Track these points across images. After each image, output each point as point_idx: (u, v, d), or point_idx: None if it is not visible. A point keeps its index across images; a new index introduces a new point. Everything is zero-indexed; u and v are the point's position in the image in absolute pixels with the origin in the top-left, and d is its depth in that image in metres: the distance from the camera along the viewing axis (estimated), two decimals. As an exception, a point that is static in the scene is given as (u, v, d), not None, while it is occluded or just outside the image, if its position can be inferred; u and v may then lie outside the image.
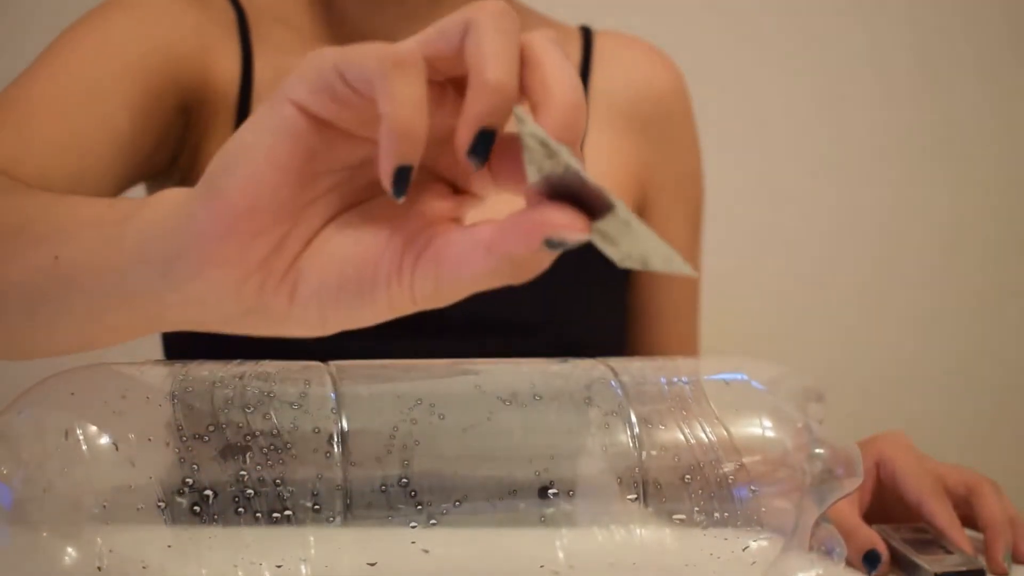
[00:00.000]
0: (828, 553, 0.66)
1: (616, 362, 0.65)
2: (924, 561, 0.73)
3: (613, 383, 0.63)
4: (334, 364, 0.61)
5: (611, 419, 0.62)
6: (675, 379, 0.65)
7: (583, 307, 1.00)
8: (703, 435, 0.63)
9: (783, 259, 1.54)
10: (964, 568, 0.74)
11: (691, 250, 1.09)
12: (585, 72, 1.03)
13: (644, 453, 0.61)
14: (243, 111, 0.94)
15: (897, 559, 0.75)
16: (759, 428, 0.64)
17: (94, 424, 0.55)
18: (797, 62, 1.55)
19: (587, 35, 1.06)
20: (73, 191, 0.82)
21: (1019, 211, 1.59)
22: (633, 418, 0.62)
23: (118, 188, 0.90)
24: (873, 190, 1.57)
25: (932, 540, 0.76)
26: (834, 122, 1.56)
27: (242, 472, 0.56)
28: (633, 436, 0.61)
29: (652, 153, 1.05)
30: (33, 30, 1.39)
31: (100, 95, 0.88)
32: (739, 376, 0.67)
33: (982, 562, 0.74)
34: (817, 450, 0.65)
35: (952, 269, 1.59)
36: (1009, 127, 1.58)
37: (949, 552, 0.75)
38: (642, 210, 1.05)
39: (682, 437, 0.62)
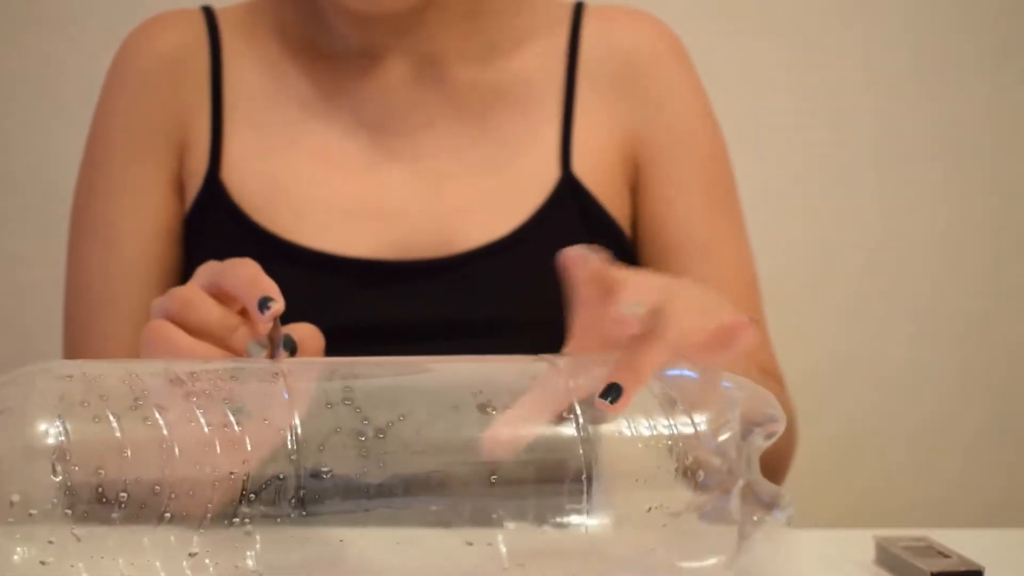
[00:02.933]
0: (774, 510, 0.67)
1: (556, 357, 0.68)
2: (922, 563, 0.73)
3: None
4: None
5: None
6: None
7: (566, 305, 0.98)
8: (647, 428, 0.64)
9: (776, 260, 1.51)
10: (962, 569, 0.73)
11: (710, 215, 1.02)
12: (573, 47, 1.02)
13: (588, 444, 0.62)
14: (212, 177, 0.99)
15: (895, 564, 0.75)
16: (699, 418, 0.65)
17: (45, 423, 0.56)
18: (790, 62, 1.55)
19: (577, 12, 1.04)
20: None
21: (1018, 212, 1.57)
22: (576, 408, 0.63)
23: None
24: (868, 191, 1.56)
25: (929, 547, 0.76)
26: (828, 123, 1.55)
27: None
28: (578, 427, 0.62)
29: (640, 118, 1.01)
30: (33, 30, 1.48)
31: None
32: (686, 372, 0.69)
33: (981, 564, 0.73)
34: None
35: (949, 271, 1.57)
36: (1008, 127, 1.56)
37: (947, 556, 0.74)
38: (641, 182, 1.02)
39: (626, 430, 0.63)
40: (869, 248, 1.57)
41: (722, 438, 0.64)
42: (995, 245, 1.58)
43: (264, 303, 0.67)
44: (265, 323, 0.67)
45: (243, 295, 0.68)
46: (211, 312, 0.69)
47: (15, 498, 0.54)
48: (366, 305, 0.96)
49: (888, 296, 1.58)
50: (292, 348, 0.68)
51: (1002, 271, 1.58)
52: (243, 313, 0.70)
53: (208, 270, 0.72)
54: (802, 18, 1.55)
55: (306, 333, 0.71)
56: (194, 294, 0.70)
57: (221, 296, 0.70)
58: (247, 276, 0.69)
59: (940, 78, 1.56)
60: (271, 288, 0.68)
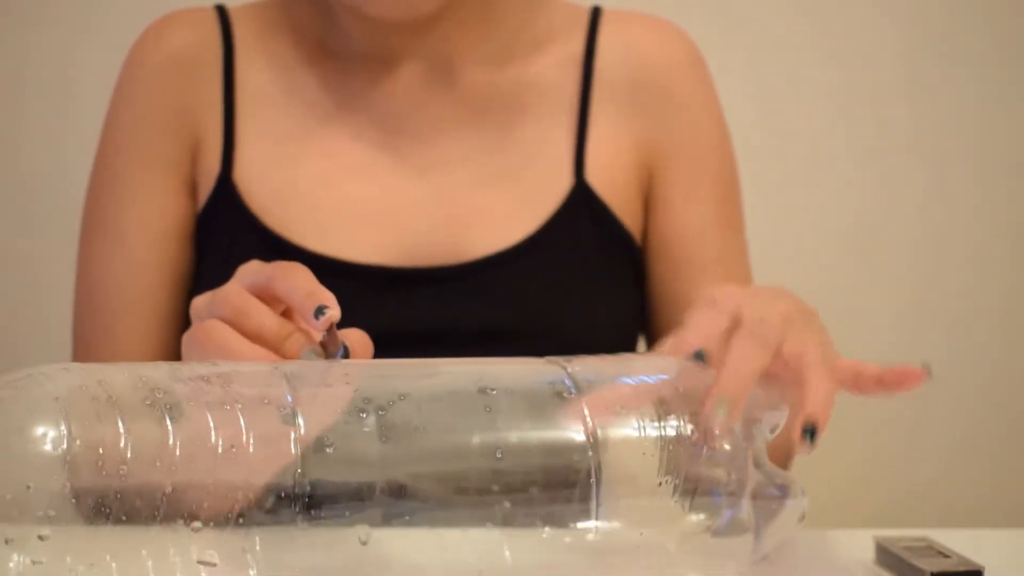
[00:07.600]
0: (786, 500, 0.67)
1: (569, 359, 0.67)
2: (922, 563, 0.74)
3: (567, 380, 0.65)
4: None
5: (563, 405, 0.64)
6: (634, 376, 0.66)
7: (577, 314, 0.98)
8: (661, 429, 0.64)
9: (775, 260, 1.51)
10: (962, 569, 0.74)
11: (722, 229, 1.02)
12: (589, 54, 1.02)
13: (599, 448, 0.62)
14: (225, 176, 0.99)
15: (895, 564, 0.75)
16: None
17: (46, 423, 0.55)
18: (777, 60, 1.55)
19: (595, 16, 1.04)
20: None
21: (1002, 212, 1.57)
22: (587, 412, 0.63)
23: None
24: (854, 189, 1.56)
25: (929, 547, 0.76)
26: (814, 122, 1.56)
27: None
28: (588, 433, 0.62)
29: (658, 130, 1.01)
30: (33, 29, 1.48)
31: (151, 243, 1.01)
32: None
33: (981, 564, 0.74)
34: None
35: (933, 270, 1.57)
36: (994, 127, 1.57)
37: (947, 556, 0.75)
38: (655, 193, 1.02)
39: (638, 432, 0.64)
40: (858, 244, 1.58)
41: (726, 447, 0.64)
42: (977, 248, 1.59)
43: (320, 309, 0.67)
44: (319, 329, 0.67)
45: (299, 305, 0.68)
46: (267, 318, 0.69)
47: (10, 496, 0.54)
48: (375, 312, 0.95)
49: (886, 297, 1.58)
50: (345, 355, 0.68)
51: (1001, 268, 1.59)
52: (286, 314, 0.70)
53: (254, 272, 0.71)
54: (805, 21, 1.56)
55: (357, 339, 0.70)
56: (247, 299, 0.69)
57: (267, 299, 0.70)
58: (305, 287, 0.68)
59: (924, 78, 1.56)
60: (328, 298, 0.68)
